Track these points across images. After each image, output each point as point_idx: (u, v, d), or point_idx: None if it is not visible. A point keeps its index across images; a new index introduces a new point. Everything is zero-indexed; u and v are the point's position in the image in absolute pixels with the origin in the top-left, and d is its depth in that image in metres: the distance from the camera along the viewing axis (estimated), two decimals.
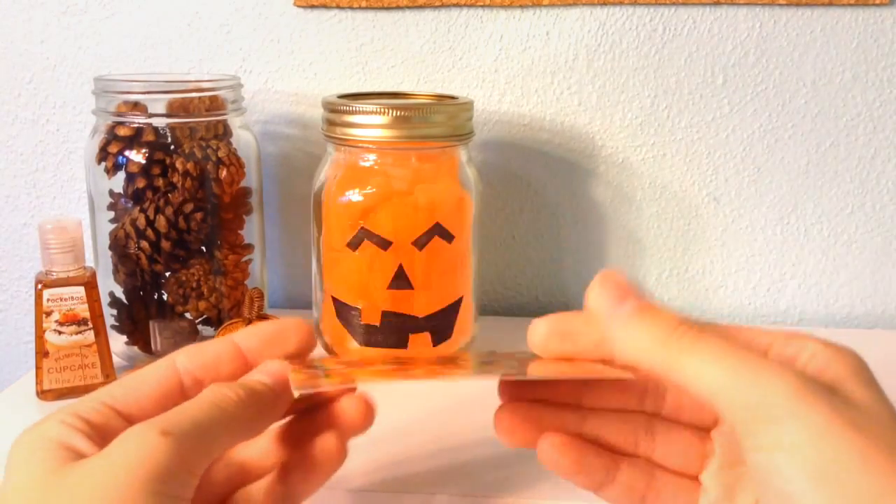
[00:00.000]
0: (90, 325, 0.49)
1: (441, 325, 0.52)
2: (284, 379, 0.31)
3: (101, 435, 0.27)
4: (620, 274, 0.30)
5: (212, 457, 0.27)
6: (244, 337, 0.32)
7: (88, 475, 0.24)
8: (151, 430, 0.25)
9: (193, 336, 0.55)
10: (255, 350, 0.32)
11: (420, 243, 0.50)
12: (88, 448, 0.26)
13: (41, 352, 0.48)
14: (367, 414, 0.32)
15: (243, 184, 0.56)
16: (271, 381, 0.30)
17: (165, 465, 0.25)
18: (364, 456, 0.42)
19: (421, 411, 0.47)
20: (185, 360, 0.31)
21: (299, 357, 0.32)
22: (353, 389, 0.33)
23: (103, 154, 0.53)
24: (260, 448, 0.33)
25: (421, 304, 0.51)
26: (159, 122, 0.52)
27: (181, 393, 0.30)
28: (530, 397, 0.32)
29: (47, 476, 0.25)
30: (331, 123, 0.51)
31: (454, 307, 0.52)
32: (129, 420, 0.28)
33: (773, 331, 0.29)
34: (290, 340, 0.32)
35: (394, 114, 0.49)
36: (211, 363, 0.31)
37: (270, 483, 0.32)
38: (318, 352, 0.51)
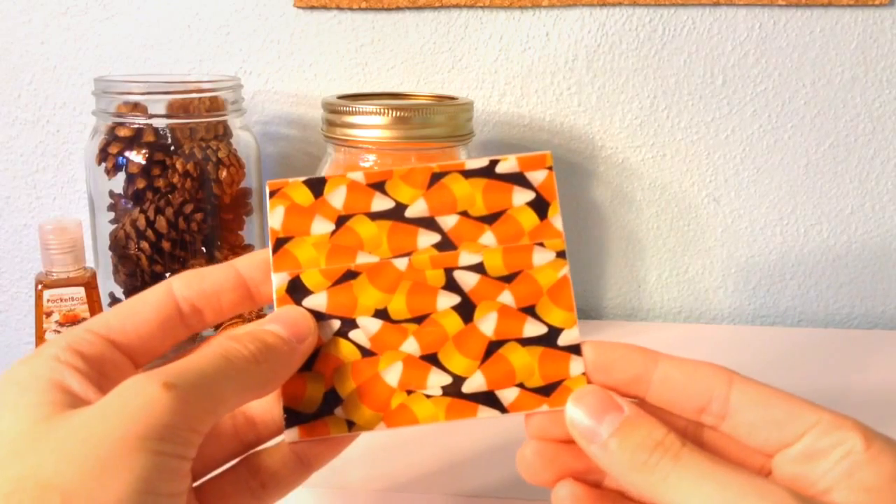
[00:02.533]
0: None
1: None
2: (301, 330, 0.29)
3: (98, 370, 0.26)
4: (592, 390, 0.28)
5: (218, 415, 0.25)
6: (247, 264, 0.30)
7: (81, 427, 0.22)
8: (153, 381, 0.23)
9: (193, 336, 0.55)
10: (258, 280, 0.30)
11: None
12: (83, 389, 0.24)
13: None
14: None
15: (243, 184, 0.56)
16: (287, 334, 0.28)
17: (167, 420, 0.22)
18: (364, 456, 0.42)
19: None
20: (183, 286, 0.29)
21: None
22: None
23: (103, 155, 0.53)
24: (270, 401, 0.30)
25: None
26: (159, 123, 0.52)
27: (181, 321, 0.29)
28: (556, 437, 0.30)
29: (37, 424, 0.23)
30: (331, 124, 0.51)
31: None
32: (127, 352, 0.27)
33: (820, 409, 0.26)
34: None
35: (393, 114, 0.49)
36: (211, 291, 0.29)
37: (284, 448, 0.30)
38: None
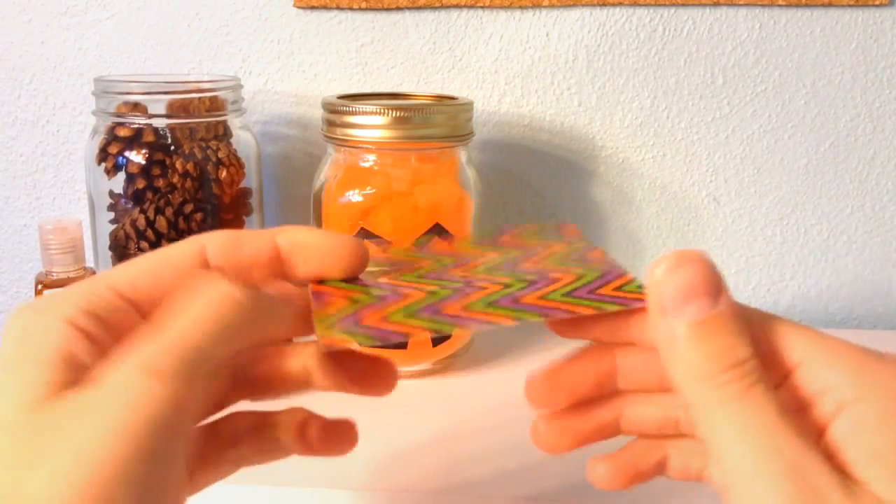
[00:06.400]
0: None
1: None
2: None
3: (114, 336, 0.23)
4: (703, 261, 0.24)
5: (204, 389, 0.23)
6: (288, 241, 0.27)
7: (73, 417, 0.20)
8: (142, 374, 0.21)
9: None
10: (297, 260, 0.27)
11: None
12: (92, 358, 0.22)
13: None
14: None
15: (243, 184, 0.56)
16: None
17: (161, 417, 0.21)
18: (365, 456, 0.42)
19: (421, 411, 0.47)
20: (217, 254, 0.26)
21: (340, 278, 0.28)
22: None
23: (103, 155, 0.53)
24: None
25: None
26: (159, 123, 0.52)
27: None
28: (566, 398, 0.28)
29: (32, 407, 0.21)
30: (331, 124, 0.51)
31: None
32: (145, 314, 0.24)
33: (810, 338, 0.24)
34: (344, 261, 0.27)
35: (393, 114, 0.49)
36: (245, 264, 0.26)
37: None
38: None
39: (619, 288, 0.27)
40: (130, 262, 0.25)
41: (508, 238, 0.32)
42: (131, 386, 0.21)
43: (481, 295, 0.28)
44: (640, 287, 0.27)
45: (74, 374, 0.22)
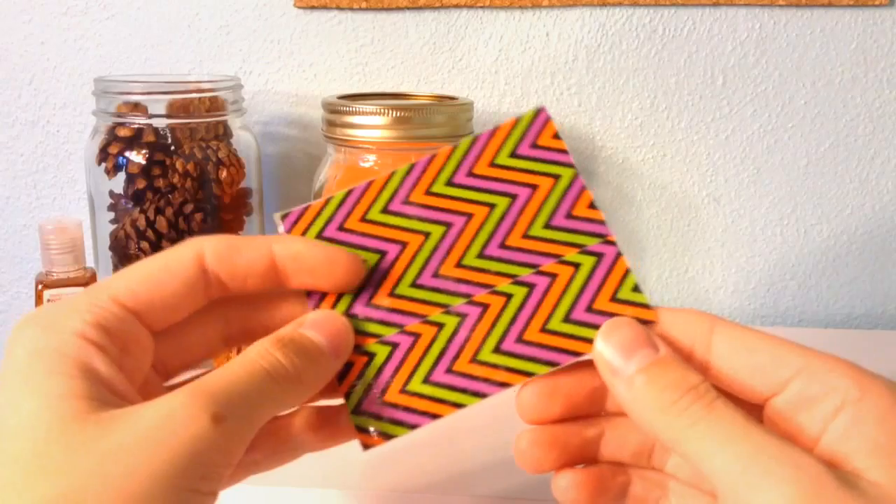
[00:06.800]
0: None
1: None
2: (341, 345, 0.27)
3: (121, 347, 0.24)
4: (631, 323, 0.27)
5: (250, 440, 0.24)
6: (284, 252, 0.27)
7: (125, 451, 0.21)
8: (203, 411, 0.22)
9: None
10: (291, 270, 0.27)
11: None
12: (111, 373, 0.23)
13: None
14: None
15: (243, 184, 0.56)
16: (327, 344, 0.27)
17: (212, 459, 0.22)
18: (364, 456, 0.42)
19: None
20: (214, 260, 0.26)
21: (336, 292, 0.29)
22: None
23: (103, 155, 0.53)
24: None
25: None
26: (159, 123, 0.52)
27: (205, 294, 0.27)
28: (559, 409, 0.29)
29: (68, 425, 0.21)
30: (331, 124, 0.51)
31: None
32: (147, 323, 0.25)
33: (809, 353, 0.25)
34: (336, 275, 0.28)
35: (394, 115, 0.49)
36: (241, 271, 0.27)
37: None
38: None
39: (614, 296, 0.29)
40: (128, 270, 0.26)
41: (484, 165, 0.31)
42: (192, 424, 0.21)
43: (486, 327, 0.29)
44: (635, 288, 0.29)
45: (97, 388, 0.22)
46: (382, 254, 0.30)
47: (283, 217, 0.30)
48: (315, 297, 0.29)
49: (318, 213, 0.30)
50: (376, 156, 0.51)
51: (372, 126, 0.49)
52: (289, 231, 0.30)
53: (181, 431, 0.21)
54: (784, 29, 0.61)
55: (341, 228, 0.30)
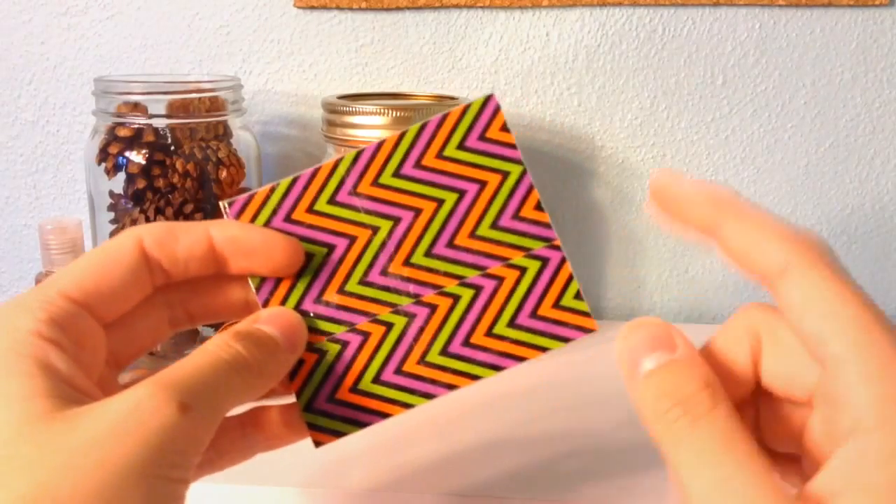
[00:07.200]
0: None
1: None
2: (296, 340, 0.28)
3: (76, 342, 0.24)
4: (653, 322, 0.26)
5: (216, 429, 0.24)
6: (221, 236, 0.28)
7: (94, 444, 0.21)
8: (169, 401, 0.22)
9: (194, 336, 0.55)
10: (230, 255, 0.28)
11: None
12: (69, 370, 0.23)
13: None
14: None
15: (243, 184, 0.56)
16: (282, 338, 0.27)
17: (181, 447, 0.22)
18: (364, 456, 0.42)
19: (421, 411, 0.47)
20: (155, 246, 0.27)
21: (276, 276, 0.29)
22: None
23: (103, 155, 0.53)
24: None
25: None
26: (159, 123, 0.52)
27: (150, 281, 0.27)
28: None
29: (35, 424, 0.21)
30: (331, 124, 0.51)
31: None
32: (97, 315, 0.26)
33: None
34: (274, 259, 0.28)
35: (394, 114, 0.49)
36: (181, 257, 0.27)
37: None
38: None
39: (557, 303, 0.30)
40: (73, 264, 0.26)
41: (432, 157, 0.31)
42: (158, 413, 0.22)
43: (434, 329, 0.30)
44: (577, 295, 0.30)
45: (59, 385, 0.22)
46: (330, 248, 0.30)
47: (230, 205, 0.30)
48: (264, 291, 0.29)
49: (265, 202, 0.30)
50: None
51: (372, 126, 0.49)
52: (235, 219, 0.30)
53: (149, 422, 0.22)
54: (784, 29, 0.61)
55: (288, 219, 0.30)
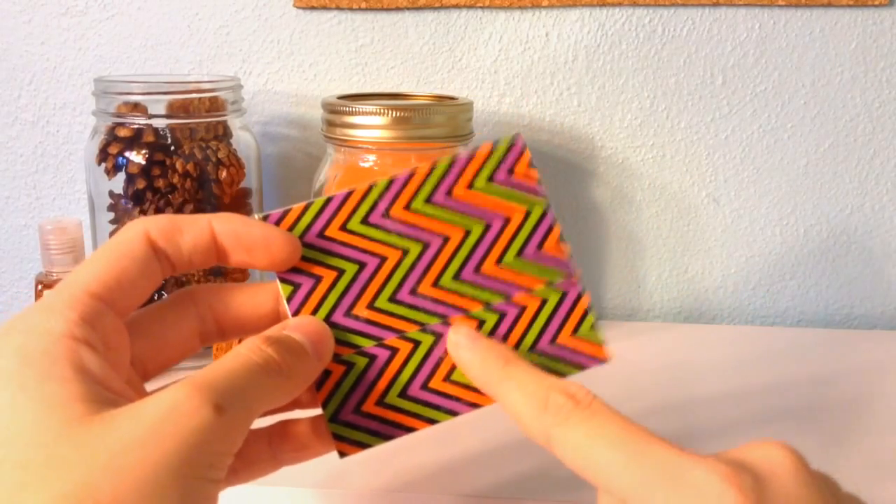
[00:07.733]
0: None
1: None
2: (321, 341, 0.29)
3: (105, 342, 0.25)
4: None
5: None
6: (223, 228, 0.28)
7: (133, 445, 0.21)
8: (205, 402, 0.22)
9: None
10: (231, 249, 0.28)
11: None
12: (102, 371, 0.23)
13: None
14: None
15: (243, 185, 0.56)
16: (310, 345, 0.28)
17: (216, 448, 0.22)
18: (364, 456, 0.42)
19: None
20: (161, 239, 0.27)
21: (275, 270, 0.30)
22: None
23: (103, 155, 0.53)
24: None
25: None
26: (159, 123, 0.52)
27: (160, 275, 0.28)
28: None
29: (73, 426, 0.22)
30: (330, 124, 0.51)
31: None
32: (119, 312, 0.26)
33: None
34: (273, 253, 0.29)
35: (393, 115, 0.49)
36: (186, 251, 0.28)
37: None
38: None
39: (576, 330, 0.31)
40: (88, 262, 0.26)
41: (463, 188, 0.32)
42: (195, 415, 0.22)
43: None
44: (592, 327, 0.31)
45: (94, 388, 0.23)
46: (362, 265, 0.31)
47: (264, 219, 0.30)
48: (295, 302, 0.30)
49: (300, 217, 0.31)
50: (376, 156, 0.51)
51: (371, 126, 0.49)
52: None
53: (186, 422, 0.22)
54: (784, 29, 0.61)
55: (321, 235, 0.30)
